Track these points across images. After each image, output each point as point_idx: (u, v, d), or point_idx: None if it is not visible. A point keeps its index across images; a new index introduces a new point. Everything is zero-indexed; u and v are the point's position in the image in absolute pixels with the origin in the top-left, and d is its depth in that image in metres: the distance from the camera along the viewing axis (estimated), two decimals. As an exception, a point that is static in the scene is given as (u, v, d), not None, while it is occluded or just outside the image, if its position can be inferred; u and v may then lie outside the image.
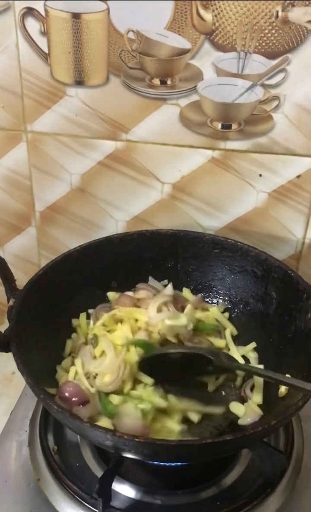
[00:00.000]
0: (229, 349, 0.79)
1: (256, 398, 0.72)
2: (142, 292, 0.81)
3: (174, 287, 0.85)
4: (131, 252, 0.84)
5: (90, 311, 0.82)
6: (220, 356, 0.70)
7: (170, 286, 0.82)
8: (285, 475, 0.69)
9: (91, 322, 0.79)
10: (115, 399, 0.67)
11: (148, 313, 0.76)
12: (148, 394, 0.69)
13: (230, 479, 0.70)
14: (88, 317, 0.81)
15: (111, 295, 0.83)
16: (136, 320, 0.76)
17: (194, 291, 0.86)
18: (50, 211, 0.93)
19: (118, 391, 0.69)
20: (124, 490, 0.69)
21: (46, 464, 0.71)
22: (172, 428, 0.67)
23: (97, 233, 0.93)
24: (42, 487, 0.69)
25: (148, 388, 0.70)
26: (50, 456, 0.71)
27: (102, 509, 0.64)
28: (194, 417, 0.70)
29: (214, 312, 0.81)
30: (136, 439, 0.55)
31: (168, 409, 0.69)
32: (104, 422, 0.66)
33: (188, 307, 0.78)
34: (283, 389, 0.70)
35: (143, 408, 0.65)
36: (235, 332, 0.81)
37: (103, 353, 0.72)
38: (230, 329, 0.80)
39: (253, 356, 0.78)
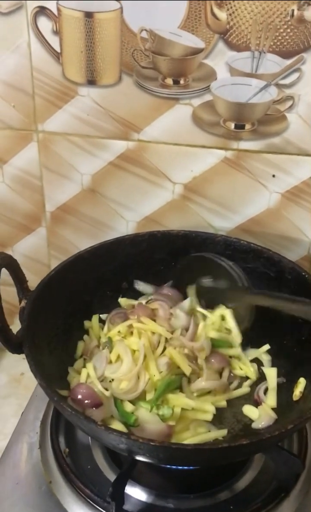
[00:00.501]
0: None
1: (270, 401, 0.72)
2: (157, 304, 0.79)
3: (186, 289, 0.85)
4: (142, 253, 0.83)
5: (103, 316, 0.81)
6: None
7: (187, 301, 0.80)
8: (300, 479, 0.68)
9: (106, 327, 0.79)
10: (128, 406, 0.66)
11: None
12: (175, 397, 0.68)
13: (243, 483, 0.69)
14: (100, 319, 0.81)
15: (122, 301, 0.82)
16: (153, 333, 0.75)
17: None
18: (61, 212, 0.93)
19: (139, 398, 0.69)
20: (136, 493, 0.68)
21: (57, 466, 0.70)
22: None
23: (108, 233, 0.92)
24: (53, 489, 0.69)
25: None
26: (62, 458, 0.71)
27: (115, 513, 0.63)
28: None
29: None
30: (152, 443, 0.54)
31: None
32: (117, 425, 0.66)
33: (201, 327, 0.76)
34: (297, 392, 0.70)
35: (162, 414, 0.65)
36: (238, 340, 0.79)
37: (118, 357, 0.71)
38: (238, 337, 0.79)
39: (266, 359, 0.78)
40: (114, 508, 0.62)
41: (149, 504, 0.67)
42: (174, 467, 0.67)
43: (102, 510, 0.65)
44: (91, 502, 0.66)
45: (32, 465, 0.72)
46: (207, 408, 0.69)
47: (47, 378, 0.62)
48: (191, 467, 0.67)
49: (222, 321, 0.79)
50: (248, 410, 0.72)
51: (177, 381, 0.71)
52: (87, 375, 0.71)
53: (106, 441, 0.58)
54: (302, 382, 0.70)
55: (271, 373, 0.75)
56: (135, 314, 0.77)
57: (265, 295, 0.75)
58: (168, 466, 0.67)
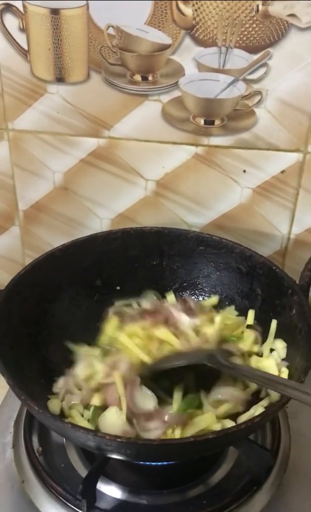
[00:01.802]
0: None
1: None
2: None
3: (160, 285, 0.85)
4: (116, 250, 0.83)
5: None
6: (216, 357, 0.66)
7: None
8: (272, 472, 0.69)
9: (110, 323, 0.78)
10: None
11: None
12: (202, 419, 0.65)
13: (216, 478, 0.69)
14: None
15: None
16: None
17: (180, 289, 0.85)
18: (34, 210, 0.92)
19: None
20: (110, 490, 0.68)
21: (30, 465, 0.70)
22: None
23: (82, 231, 0.92)
24: (26, 489, 0.68)
25: None
26: (35, 457, 0.71)
27: (87, 510, 0.63)
28: None
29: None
30: (119, 439, 0.54)
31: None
32: None
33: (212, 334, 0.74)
34: None
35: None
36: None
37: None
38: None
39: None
40: (86, 505, 0.62)
41: (123, 501, 0.67)
42: (147, 463, 0.67)
43: (74, 508, 0.65)
44: (64, 500, 0.66)
45: (5, 465, 0.71)
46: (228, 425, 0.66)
47: (16, 377, 0.62)
48: (163, 463, 0.66)
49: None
50: None
51: (197, 399, 0.68)
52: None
53: (74, 439, 0.58)
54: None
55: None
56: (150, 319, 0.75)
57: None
58: (140, 462, 0.67)
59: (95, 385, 0.70)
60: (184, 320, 0.75)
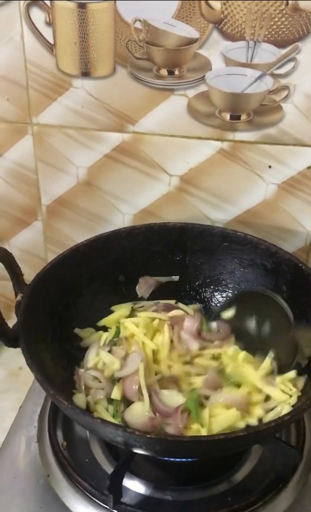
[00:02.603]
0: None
1: None
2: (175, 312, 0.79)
3: (183, 281, 0.85)
4: (139, 246, 0.82)
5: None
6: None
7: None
8: (297, 470, 0.68)
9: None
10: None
11: None
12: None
13: (241, 475, 0.69)
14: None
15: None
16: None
17: (203, 285, 0.85)
18: (57, 205, 0.92)
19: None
20: (134, 486, 0.68)
21: (55, 460, 0.70)
22: None
23: (104, 227, 0.92)
24: (51, 483, 0.69)
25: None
26: (60, 452, 0.71)
27: (113, 506, 0.63)
28: None
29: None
30: (148, 436, 0.54)
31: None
32: None
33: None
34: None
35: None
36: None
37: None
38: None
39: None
40: (112, 500, 0.62)
41: (148, 496, 0.67)
42: (172, 459, 0.67)
43: (100, 503, 0.65)
44: (89, 495, 0.66)
45: (30, 459, 0.72)
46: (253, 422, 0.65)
47: (43, 371, 0.62)
48: (189, 459, 0.66)
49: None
50: None
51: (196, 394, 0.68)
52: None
53: (102, 434, 0.58)
54: None
55: None
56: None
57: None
58: (166, 458, 0.67)
59: (111, 376, 0.70)
60: (190, 343, 0.74)
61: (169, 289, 0.84)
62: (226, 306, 0.78)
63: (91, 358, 0.75)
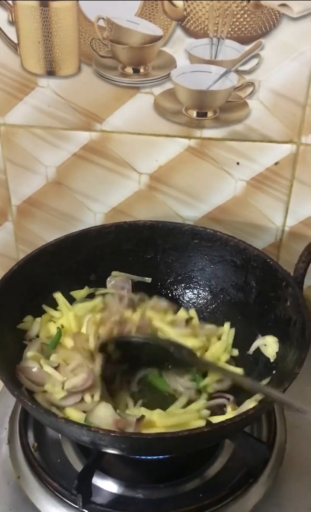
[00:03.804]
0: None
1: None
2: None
3: (155, 279, 0.85)
4: (110, 245, 0.82)
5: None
6: (182, 351, 0.70)
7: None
8: (268, 465, 0.68)
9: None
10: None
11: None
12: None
13: (213, 471, 0.69)
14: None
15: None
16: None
17: (175, 283, 0.85)
18: (27, 205, 0.92)
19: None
20: (106, 485, 0.68)
21: (26, 461, 0.70)
22: None
23: (76, 226, 0.92)
24: (22, 485, 0.68)
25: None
26: (30, 453, 0.70)
27: (82, 505, 0.63)
28: None
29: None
30: (112, 434, 0.54)
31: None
32: None
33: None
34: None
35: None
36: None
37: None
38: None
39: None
40: (81, 500, 0.62)
41: (119, 495, 0.67)
42: (142, 457, 0.67)
43: (70, 503, 0.65)
44: (60, 496, 0.66)
45: (1, 461, 0.71)
46: (198, 424, 0.66)
47: (8, 373, 0.61)
48: (159, 457, 0.66)
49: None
50: None
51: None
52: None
53: (68, 434, 0.58)
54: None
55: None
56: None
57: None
58: (136, 456, 0.67)
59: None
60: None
61: (140, 287, 0.83)
62: None
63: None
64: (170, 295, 0.85)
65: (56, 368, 0.69)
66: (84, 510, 0.63)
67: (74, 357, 0.69)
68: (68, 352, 0.71)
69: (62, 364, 0.70)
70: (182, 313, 0.81)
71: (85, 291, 0.82)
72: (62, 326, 0.75)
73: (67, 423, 0.55)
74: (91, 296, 0.82)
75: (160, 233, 0.83)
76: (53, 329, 0.75)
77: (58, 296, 0.79)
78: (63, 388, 0.67)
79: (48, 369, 0.68)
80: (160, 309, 0.80)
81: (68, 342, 0.73)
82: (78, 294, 0.81)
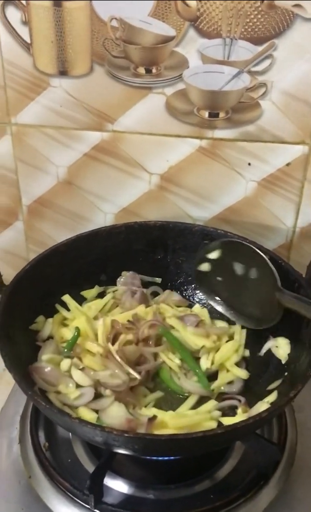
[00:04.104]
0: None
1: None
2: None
3: (165, 280, 0.85)
4: (120, 245, 0.82)
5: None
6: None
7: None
8: (279, 466, 0.68)
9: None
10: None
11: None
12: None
13: (223, 472, 0.69)
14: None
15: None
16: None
17: (185, 283, 0.85)
18: (37, 205, 0.92)
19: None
20: (117, 485, 0.68)
21: (37, 461, 0.70)
22: None
23: (86, 226, 0.92)
24: (33, 484, 0.68)
25: None
26: (41, 452, 0.71)
27: (94, 505, 0.63)
28: None
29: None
30: (126, 435, 0.54)
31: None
32: None
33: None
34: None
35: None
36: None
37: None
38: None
39: None
40: (93, 500, 0.62)
41: (130, 495, 0.67)
42: (153, 458, 0.67)
43: (82, 503, 0.65)
44: (71, 496, 0.66)
45: (12, 460, 0.71)
46: (210, 425, 0.65)
47: (21, 372, 0.61)
48: (170, 458, 0.66)
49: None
50: None
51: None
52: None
53: (81, 434, 0.58)
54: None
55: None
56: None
57: (298, 300, 0.68)
58: (147, 457, 0.67)
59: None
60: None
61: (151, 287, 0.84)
62: (211, 249, 0.77)
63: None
64: (180, 295, 0.85)
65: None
66: (95, 510, 0.64)
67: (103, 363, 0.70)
68: (92, 357, 0.71)
69: (87, 368, 0.70)
70: (196, 308, 0.81)
71: (95, 290, 0.82)
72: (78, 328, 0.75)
73: (81, 423, 0.55)
74: (101, 295, 0.82)
75: (171, 233, 0.83)
76: (66, 331, 0.75)
77: (68, 300, 0.78)
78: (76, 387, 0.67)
79: (76, 373, 0.69)
80: (173, 302, 0.80)
81: (85, 344, 0.73)
82: (88, 293, 0.82)
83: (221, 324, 0.79)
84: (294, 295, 0.68)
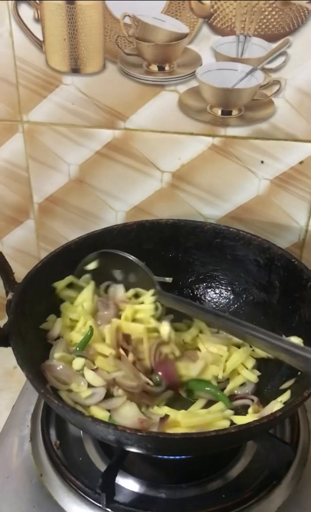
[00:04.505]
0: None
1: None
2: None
3: (176, 278, 0.84)
4: (131, 243, 0.82)
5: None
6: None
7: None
8: (291, 466, 0.68)
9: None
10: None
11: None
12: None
13: (235, 472, 0.69)
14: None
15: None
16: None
17: (196, 282, 0.85)
18: (49, 203, 0.92)
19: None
20: (128, 484, 0.68)
21: (48, 459, 0.70)
22: None
23: (97, 224, 0.92)
24: (44, 482, 0.68)
25: None
26: (53, 451, 0.71)
27: (106, 504, 0.63)
28: None
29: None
30: (139, 433, 0.54)
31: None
32: None
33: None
34: None
35: None
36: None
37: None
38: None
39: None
40: (105, 499, 0.62)
41: (141, 494, 0.67)
42: (165, 457, 0.67)
43: (93, 501, 0.65)
44: (83, 494, 0.66)
45: (23, 458, 0.71)
46: (222, 424, 0.65)
47: (34, 370, 0.61)
48: (182, 457, 0.66)
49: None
50: None
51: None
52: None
53: (94, 433, 0.58)
54: None
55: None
56: None
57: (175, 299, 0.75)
58: (159, 456, 0.66)
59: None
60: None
61: (162, 286, 0.83)
62: (88, 260, 0.79)
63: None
64: (191, 294, 0.85)
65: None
66: (107, 509, 0.63)
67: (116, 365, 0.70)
68: (104, 358, 0.71)
69: (101, 368, 0.70)
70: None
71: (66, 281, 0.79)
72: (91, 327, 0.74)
73: (93, 421, 0.55)
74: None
75: (182, 231, 0.83)
76: (74, 335, 0.74)
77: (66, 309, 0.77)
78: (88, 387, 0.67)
79: (89, 373, 0.68)
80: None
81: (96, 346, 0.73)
82: (59, 285, 0.78)
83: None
84: (171, 295, 0.76)
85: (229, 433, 0.54)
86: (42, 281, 0.74)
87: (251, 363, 0.74)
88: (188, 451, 0.60)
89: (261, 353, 0.74)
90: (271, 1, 0.69)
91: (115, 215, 0.91)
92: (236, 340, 0.76)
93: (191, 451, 0.61)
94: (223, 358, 0.74)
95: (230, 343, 0.76)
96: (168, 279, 0.84)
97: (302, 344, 0.68)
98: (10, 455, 0.72)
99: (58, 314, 0.77)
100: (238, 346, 0.76)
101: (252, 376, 0.73)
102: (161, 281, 0.83)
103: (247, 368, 0.74)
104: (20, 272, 0.74)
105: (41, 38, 0.77)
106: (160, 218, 0.84)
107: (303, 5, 0.69)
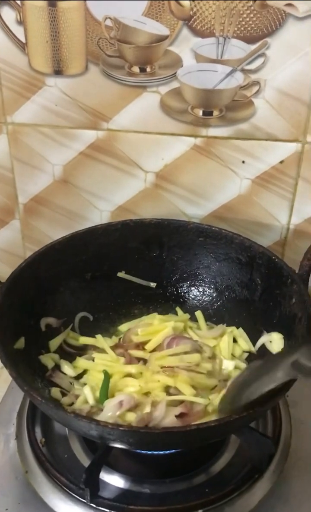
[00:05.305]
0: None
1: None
2: None
3: (160, 277, 0.85)
4: (115, 243, 0.83)
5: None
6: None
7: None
8: (273, 460, 0.69)
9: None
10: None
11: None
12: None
13: (218, 466, 0.70)
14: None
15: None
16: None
17: (180, 280, 0.86)
18: (34, 203, 0.92)
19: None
20: (113, 480, 0.69)
21: (34, 456, 0.70)
22: None
23: (82, 224, 0.92)
24: (30, 479, 0.69)
25: None
26: (38, 448, 0.71)
27: (90, 499, 0.63)
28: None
29: None
30: (121, 428, 0.55)
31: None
32: None
33: None
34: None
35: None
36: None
37: None
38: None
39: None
40: (89, 494, 0.63)
41: (126, 490, 0.68)
42: (149, 452, 0.68)
43: (78, 497, 0.66)
44: (67, 490, 0.66)
45: (9, 456, 0.72)
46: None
47: (17, 368, 0.62)
48: (165, 452, 0.67)
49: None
50: None
51: None
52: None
53: (77, 428, 0.59)
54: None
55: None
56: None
57: None
58: (143, 451, 0.67)
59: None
60: None
61: (147, 290, 0.85)
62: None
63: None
64: (175, 292, 0.86)
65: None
66: (91, 504, 0.64)
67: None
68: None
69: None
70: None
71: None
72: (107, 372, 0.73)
73: (76, 417, 0.56)
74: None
75: (166, 231, 0.84)
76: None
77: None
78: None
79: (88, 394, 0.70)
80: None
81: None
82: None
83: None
84: None
85: (210, 427, 0.55)
86: (27, 280, 0.75)
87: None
88: (170, 445, 0.61)
89: (245, 346, 0.76)
90: (249, 4, 0.70)
91: (100, 215, 0.92)
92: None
93: (172, 445, 0.62)
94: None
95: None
96: (153, 284, 0.85)
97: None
98: (-4, 453, 0.73)
99: (43, 313, 0.77)
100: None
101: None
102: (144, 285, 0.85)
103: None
104: (6, 272, 0.74)
105: (23, 40, 0.78)
106: (144, 218, 0.85)
107: (280, 7, 0.70)
